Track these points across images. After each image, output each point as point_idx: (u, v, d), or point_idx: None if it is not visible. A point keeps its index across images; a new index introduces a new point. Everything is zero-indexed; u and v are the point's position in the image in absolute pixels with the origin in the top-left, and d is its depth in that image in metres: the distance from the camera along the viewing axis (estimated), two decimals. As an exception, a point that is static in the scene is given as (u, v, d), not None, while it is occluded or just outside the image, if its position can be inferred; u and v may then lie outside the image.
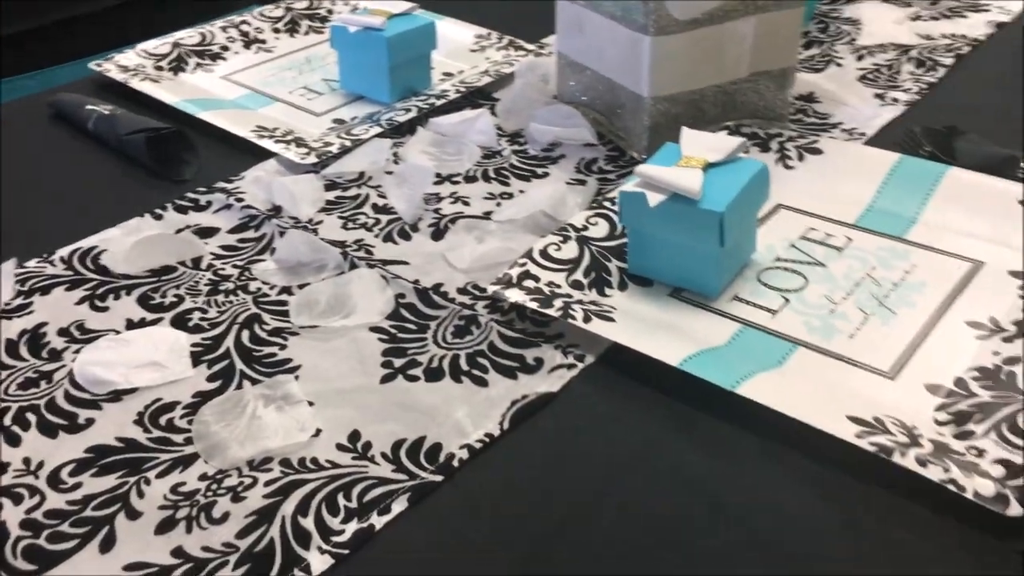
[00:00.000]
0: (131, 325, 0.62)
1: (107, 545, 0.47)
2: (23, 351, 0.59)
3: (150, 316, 0.62)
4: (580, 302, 0.60)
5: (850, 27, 1.02)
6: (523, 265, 0.63)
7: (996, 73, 0.91)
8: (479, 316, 0.61)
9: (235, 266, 0.67)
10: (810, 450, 0.50)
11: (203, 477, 0.50)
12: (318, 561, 0.46)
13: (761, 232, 0.67)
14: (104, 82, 0.93)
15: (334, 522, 0.47)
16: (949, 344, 0.57)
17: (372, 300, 0.62)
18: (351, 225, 0.71)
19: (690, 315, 0.61)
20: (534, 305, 0.59)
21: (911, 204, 0.69)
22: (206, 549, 0.46)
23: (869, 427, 0.49)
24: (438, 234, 0.70)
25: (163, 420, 0.54)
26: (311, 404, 0.55)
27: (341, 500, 0.49)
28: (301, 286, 0.64)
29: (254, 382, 0.56)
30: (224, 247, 0.69)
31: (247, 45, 1.02)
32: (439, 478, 0.50)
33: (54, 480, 0.50)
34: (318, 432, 0.53)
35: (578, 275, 0.63)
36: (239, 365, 0.58)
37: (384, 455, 0.51)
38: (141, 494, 0.49)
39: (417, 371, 0.57)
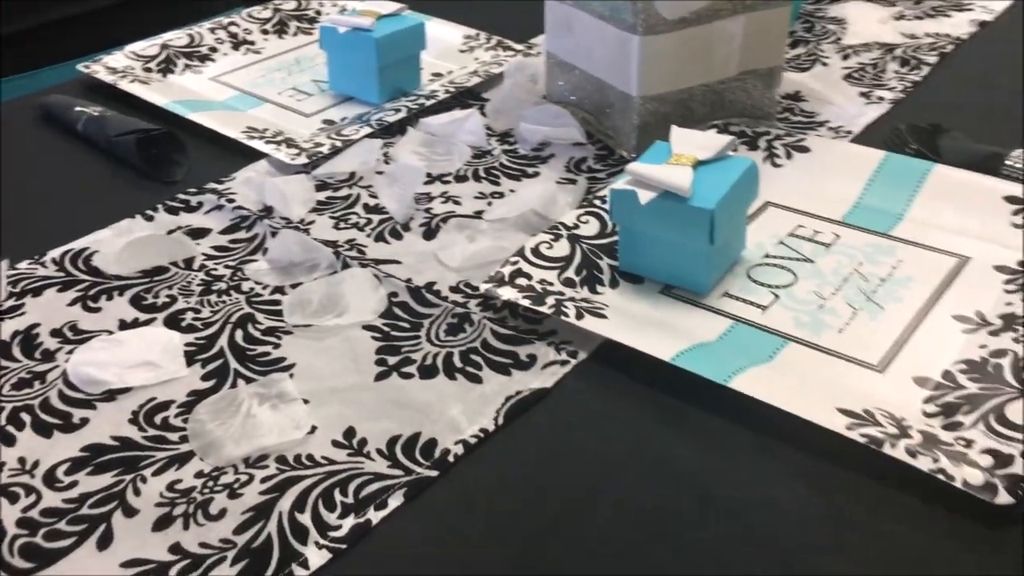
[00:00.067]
0: (124, 326, 0.62)
1: (104, 542, 0.47)
2: (16, 352, 0.59)
3: (143, 316, 0.62)
4: (572, 299, 0.61)
5: (835, 26, 1.03)
6: (515, 263, 0.64)
7: (979, 71, 0.92)
8: (472, 314, 0.61)
9: (227, 266, 0.67)
10: (801, 444, 0.51)
11: (199, 474, 0.50)
12: (315, 556, 0.46)
13: (750, 229, 0.67)
14: (93, 84, 0.92)
15: (331, 517, 0.48)
16: (936, 338, 0.58)
17: (365, 299, 0.63)
18: (343, 225, 0.71)
19: (681, 312, 0.61)
20: (527, 302, 0.60)
21: (897, 201, 0.69)
22: (203, 545, 0.47)
23: (859, 419, 0.50)
24: (430, 233, 0.70)
25: (158, 419, 0.54)
26: (306, 402, 0.55)
27: (337, 496, 0.49)
28: (294, 286, 0.65)
29: (248, 381, 0.57)
30: (216, 248, 0.69)
31: (236, 46, 1.02)
32: (434, 473, 0.50)
33: (50, 479, 0.51)
34: (313, 429, 0.53)
35: (570, 273, 0.64)
36: (233, 364, 0.58)
37: (379, 451, 0.52)
38: (137, 492, 0.50)
39: (411, 368, 0.57)
